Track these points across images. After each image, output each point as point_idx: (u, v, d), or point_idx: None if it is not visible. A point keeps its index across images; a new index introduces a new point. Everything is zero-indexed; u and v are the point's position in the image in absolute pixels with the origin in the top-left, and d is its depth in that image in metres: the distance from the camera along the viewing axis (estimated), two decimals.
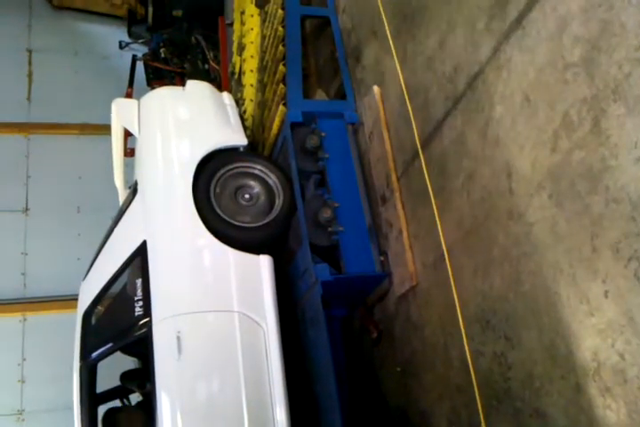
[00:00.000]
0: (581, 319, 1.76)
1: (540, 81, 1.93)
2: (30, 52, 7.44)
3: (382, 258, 3.15)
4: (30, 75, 7.30)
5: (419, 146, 2.74)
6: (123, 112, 3.84)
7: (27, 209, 6.50)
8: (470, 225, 2.38)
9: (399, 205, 3.01)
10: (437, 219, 2.56)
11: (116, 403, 3.59)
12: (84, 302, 3.44)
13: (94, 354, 3.22)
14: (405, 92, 2.83)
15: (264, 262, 3.17)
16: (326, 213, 3.17)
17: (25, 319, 5.92)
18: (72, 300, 4.34)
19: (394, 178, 3.07)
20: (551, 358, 1.89)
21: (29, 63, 7.37)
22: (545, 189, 1.90)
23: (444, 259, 2.53)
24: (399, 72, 2.89)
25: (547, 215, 1.90)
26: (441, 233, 2.56)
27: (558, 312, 1.86)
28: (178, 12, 7.48)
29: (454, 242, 2.49)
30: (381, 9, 3.05)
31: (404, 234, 2.97)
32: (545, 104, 1.90)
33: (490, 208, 2.23)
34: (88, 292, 3.45)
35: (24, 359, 5.79)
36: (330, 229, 3.17)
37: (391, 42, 2.97)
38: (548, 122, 1.88)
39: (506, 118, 2.11)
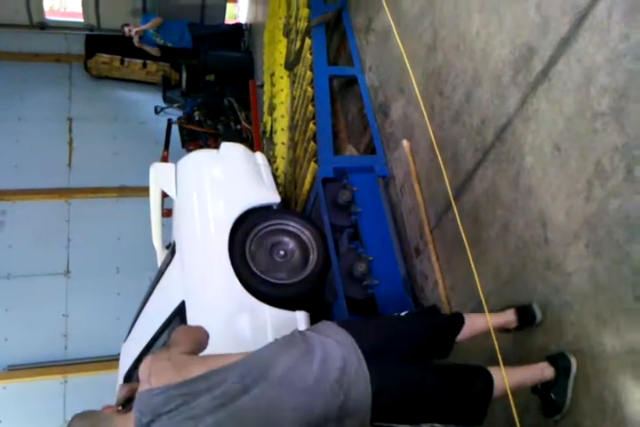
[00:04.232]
0: (631, 371, 1.70)
1: (569, 131, 1.94)
2: (71, 120, 7.78)
3: (419, 310, 3.12)
4: (71, 142, 7.61)
5: (451, 197, 2.75)
6: (160, 175, 3.97)
7: (68, 272, 6.64)
8: (508, 275, 2.35)
9: (433, 257, 3.00)
10: (474, 269, 2.53)
11: None
12: (126, 364, 3.46)
13: None
14: (435, 145, 2.86)
15: (300, 319, 3.16)
16: (361, 267, 3.17)
17: (66, 381, 5.94)
18: (112, 360, 4.37)
19: (427, 230, 3.07)
20: None
21: (70, 131, 7.70)
22: (581, 238, 1.88)
23: (483, 310, 2.49)
24: (428, 126, 2.94)
25: (585, 265, 1.87)
26: (478, 284, 2.52)
27: (603, 363, 1.81)
28: (210, 77, 7.80)
29: (492, 292, 2.45)
30: (408, 67, 3.13)
31: (440, 285, 2.94)
32: (576, 153, 1.91)
33: (526, 258, 2.21)
34: (129, 354, 3.48)
35: (65, 421, 5.77)
36: (365, 282, 3.16)
37: (419, 97, 3.03)
38: (581, 171, 1.88)
39: (537, 168, 2.12)
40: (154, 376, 1.65)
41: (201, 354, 1.86)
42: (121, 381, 3.43)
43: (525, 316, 2.14)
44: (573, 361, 1.94)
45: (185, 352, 1.77)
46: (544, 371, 2.00)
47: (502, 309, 2.24)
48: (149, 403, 1.61)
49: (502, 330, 2.25)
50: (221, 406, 1.61)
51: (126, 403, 1.81)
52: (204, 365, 1.69)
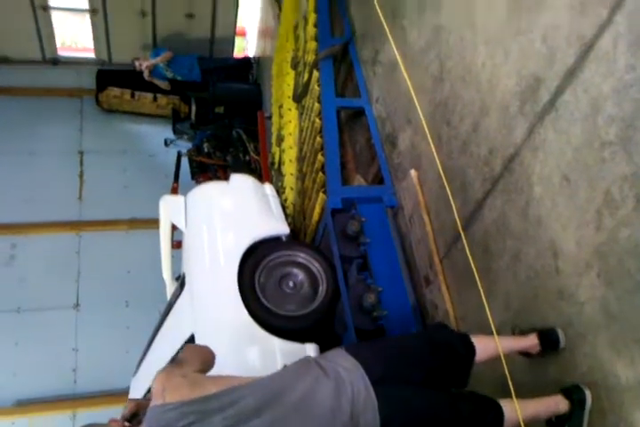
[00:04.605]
0: None
1: (577, 161, 1.94)
2: (82, 153, 7.88)
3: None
4: (82, 175, 7.69)
5: (460, 227, 2.74)
6: (170, 208, 3.99)
7: (77, 305, 6.63)
8: (519, 305, 2.32)
9: (443, 287, 2.98)
10: (484, 300, 2.50)
11: None
12: (135, 397, 3.42)
13: None
14: (443, 175, 2.87)
15: (310, 351, 3.13)
16: (370, 298, 3.14)
17: (74, 416, 5.87)
18: (122, 394, 4.32)
19: (436, 260, 3.05)
20: None
21: (81, 164, 7.78)
22: (593, 267, 1.86)
23: None
24: (435, 156, 2.95)
25: (597, 294, 1.85)
26: (489, 314, 2.49)
27: (618, 396, 1.77)
28: (220, 109, 7.90)
29: (503, 323, 2.42)
30: (415, 98, 3.16)
31: (451, 316, 2.91)
32: (585, 183, 1.90)
33: (538, 288, 2.19)
34: (138, 388, 3.45)
35: None
36: (374, 313, 3.13)
37: (426, 128, 3.05)
38: (590, 201, 1.88)
39: (546, 198, 2.11)
40: (168, 392, 1.65)
41: (209, 374, 1.87)
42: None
43: (548, 340, 2.09)
44: (588, 394, 1.90)
45: (196, 371, 1.78)
46: (558, 404, 1.96)
47: (526, 332, 2.19)
48: (162, 418, 1.62)
49: (524, 354, 2.20)
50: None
51: (131, 418, 1.81)
52: (218, 384, 1.71)
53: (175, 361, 1.87)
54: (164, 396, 1.64)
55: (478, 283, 2.51)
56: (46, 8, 8.02)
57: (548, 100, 2.10)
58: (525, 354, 2.20)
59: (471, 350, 2.10)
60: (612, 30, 1.77)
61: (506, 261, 2.40)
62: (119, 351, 5.82)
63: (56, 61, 8.73)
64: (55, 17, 8.27)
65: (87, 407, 5.92)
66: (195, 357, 1.89)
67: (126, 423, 1.80)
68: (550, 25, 2.07)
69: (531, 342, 2.14)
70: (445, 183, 2.84)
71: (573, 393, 1.93)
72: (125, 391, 3.81)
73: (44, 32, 8.27)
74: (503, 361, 2.09)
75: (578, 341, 1.97)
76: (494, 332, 2.25)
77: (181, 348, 3.16)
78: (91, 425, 1.78)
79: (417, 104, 3.14)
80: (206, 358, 1.93)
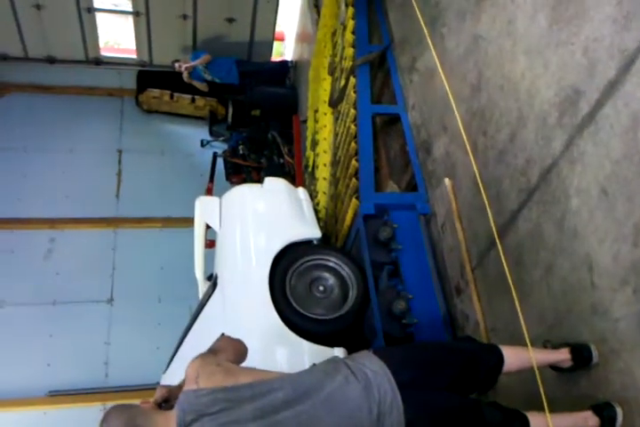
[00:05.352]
0: None
1: (616, 174, 1.92)
2: (120, 152, 8.02)
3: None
4: (120, 173, 7.84)
5: (495, 237, 2.73)
6: (205, 209, 4.06)
7: (111, 300, 6.75)
8: (553, 319, 2.30)
9: (475, 297, 2.96)
10: (519, 312, 2.47)
11: None
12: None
13: None
14: (481, 184, 2.85)
15: (339, 355, 3.13)
16: (400, 305, 3.15)
17: (105, 408, 5.95)
18: (151, 389, 4.38)
19: (468, 269, 3.04)
20: None
21: (119, 162, 7.93)
22: (629, 283, 1.84)
23: None
24: (472, 165, 2.94)
25: (633, 311, 1.83)
26: (524, 327, 2.46)
27: None
28: (256, 112, 7.98)
29: (536, 336, 2.39)
30: (453, 105, 3.16)
31: (482, 326, 2.89)
32: (623, 197, 1.88)
33: (572, 302, 2.17)
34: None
35: None
36: (404, 321, 3.13)
37: (463, 136, 3.05)
38: (628, 215, 1.85)
39: (583, 211, 2.09)
40: (202, 378, 1.70)
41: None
42: None
43: (581, 356, 2.05)
44: (619, 411, 1.88)
45: (229, 361, 1.83)
46: (588, 420, 1.94)
47: (558, 346, 2.17)
48: (195, 402, 1.66)
49: (554, 368, 2.18)
50: (262, 417, 1.65)
51: (163, 403, 1.85)
52: (250, 375, 1.75)
53: (210, 350, 1.91)
54: (198, 382, 1.69)
55: (513, 294, 2.48)
56: (91, 10, 8.21)
57: (587, 112, 2.08)
58: (556, 368, 2.18)
59: (500, 358, 2.09)
60: None
61: (539, 274, 2.38)
62: (150, 347, 5.90)
63: (99, 61, 8.92)
64: (99, 18, 8.45)
65: (117, 401, 5.95)
66: (229, 347, 1.94)
67: (156, 406, 1.84)
68: (592, 37, 2.06)
69: (563, 355, 2.11)
70: (482, 192, 2.82)
71: (604, 410, 1.91)
72: (154, 388, 3.86)
73: (87, 33, 8.46)
74: (536, 372, 2.07)
75: (611, 357, 1.94)
76: (528, 343, 2.23)
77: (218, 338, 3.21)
78: (123, 406, 1.82)
79: (455, 111, 3.13)
80: (240, 351, 1.98)
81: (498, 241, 2.69)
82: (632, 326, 1.83)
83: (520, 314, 2.40)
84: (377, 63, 4.53)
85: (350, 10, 4.78)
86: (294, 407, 1.68)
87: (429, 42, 3.50)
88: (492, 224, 2.74)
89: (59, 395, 6.00)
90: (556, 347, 2.17)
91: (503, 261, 2.60)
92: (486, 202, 2.78)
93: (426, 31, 3.54)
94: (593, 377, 2.05)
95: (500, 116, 2.74)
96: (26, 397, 5.88)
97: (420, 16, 3.62)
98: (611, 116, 1.95)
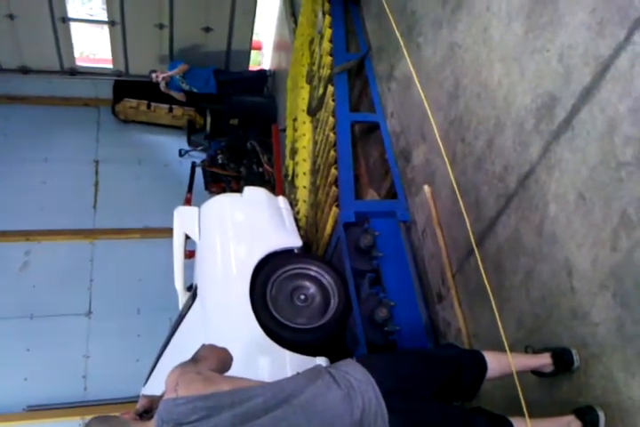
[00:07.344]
0: None
1: (593, 180, 1.94)
2: (97, 162, 7.95)
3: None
4: (97, 184, 7.75)
5: (473, 243, 2.74)
6: (184, 219, 4.02)
7: (90, 312, 6.66)
8: (532, 324, 2.31)
9: (456, 304, 2.96)
10: (498, 318, 2.49)
11: None
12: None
13: None
14: (457, 191, 2.87)
15: (321, 364, 3.11)
16: (382, 313, 3.14)
17: (85, 422, 5.87)
18: (131, 402, 4.31)
19: (449, 275, 3.05)
20: None
21: (96, 173, 7.85)
22: (608, 288, 1.86)
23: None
24: (449, 172, 2.96)
25: (612, 316, 1.84)
26: (502, 332, 2.48)
27: (633, 418, 1.75)
28: (234, 121, 7.96)
29: (516, 341, 2.40)
30: (430, 114, 3.17)
31: (464, 332, 2.89)
32: (601, 202, 1.90)
33: (552, 307, 2.18)
34: None
35: None
36: (386, 328, 3.12)
37: (441, 144, 3.06)
38: (606, 220, 1.87)
39: (561, 216, 2.11)
40: (181, 387, 1.67)
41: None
42: None
43: (562, 360, 2.06)
44: (601, 415, 1.89)
45: (211, 369, 1.80)
46: (570, 424, 1.94)
47: (539, 351, 2.17)
48: (173, 411, 1.63)
49: (536, 373, 2.18)
50: (241, 424, 1.63)
51: (144, 413, 1.82)
52: (231, 383, 1.72)
53: (192, 358, 1.88)
54: (177, 391, 1.66)
55: (492, 300, 2.50)
56: (65, 19, 8.15)
57: (563, 118, 2.10)
58: (538, 373, 2.18)
59: (483, 365, 2.09)
60: (629, 51, 1.78)
61: (519, 279, 2.39)
62: (130, 359, 5.82)
63: (74, 72, 8.85)
64: (74, 28, 8.39)
65: (96, 414, 5.89)
66: (212, 356, 1.91)
67: (137, 418, 1.81)
68: (566, 44, 2.08)
69: (544, 360, 2.12)
70: (459, 199, 2.84)
71: (586, 414, 1.92)
72: (135, 400, 3.79)
73: (62, 43, 8.40)
74: (515, 378, 2.08)
75: (592, 362, 1.95)
76: (507, 349, 2.24)
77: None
78: (103, 417, 1.79)
79: (432, 119, 3.15)
80: (224, 359, 1.94)
81: (475, 248, 2.71)
82: (612, 331, 1.85)
83: (499, 320, 2.41)
84: (355, 71, 4.55)
85: (327, 18, 4.80)
86: (273, 412, 1.66)
87: (405, 52, 3.52)
88: (470, 231, 2.75)
89: (37, 410, 5.89)
90: (537, 352, 2.17)
91: (481, 267, 2.61)
92: (463, 209, 2.80)
93: (401, 41, 3.56)
94: (574, 382, 2.06)
95: (477, 124, 2.76)
96: (3, 412, 5.78)
97: (394, 26, 3.65)
98: (587, 122, 1.98)
